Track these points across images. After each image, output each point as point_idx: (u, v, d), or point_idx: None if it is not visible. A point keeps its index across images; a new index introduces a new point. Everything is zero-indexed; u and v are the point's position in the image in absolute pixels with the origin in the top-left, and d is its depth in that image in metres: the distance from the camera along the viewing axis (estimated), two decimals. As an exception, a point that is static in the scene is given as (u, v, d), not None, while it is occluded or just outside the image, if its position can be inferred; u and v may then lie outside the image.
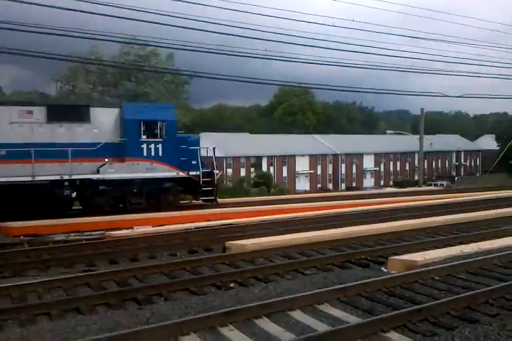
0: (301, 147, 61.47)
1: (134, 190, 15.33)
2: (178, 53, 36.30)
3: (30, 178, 13.66)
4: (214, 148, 17.07)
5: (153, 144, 15.44)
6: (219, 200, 17.35)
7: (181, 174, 15.87)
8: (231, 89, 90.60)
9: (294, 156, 61.02)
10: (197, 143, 16.69)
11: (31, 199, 13.50)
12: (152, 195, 15.70)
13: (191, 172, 16.03)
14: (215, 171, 16.71)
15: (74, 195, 14.79)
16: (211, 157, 17.06)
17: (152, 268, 7.94)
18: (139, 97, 36.52)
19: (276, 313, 5.63)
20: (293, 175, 60.88)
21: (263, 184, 41.36)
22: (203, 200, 16.74)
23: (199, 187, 16.15)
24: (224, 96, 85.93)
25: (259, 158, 58.39)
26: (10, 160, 13.52)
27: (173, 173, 15.74)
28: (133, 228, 11.91)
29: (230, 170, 52.64)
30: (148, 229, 11.93)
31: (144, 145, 15.35)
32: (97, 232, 11.70)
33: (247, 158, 57.30)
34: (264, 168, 57.31)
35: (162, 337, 4.90)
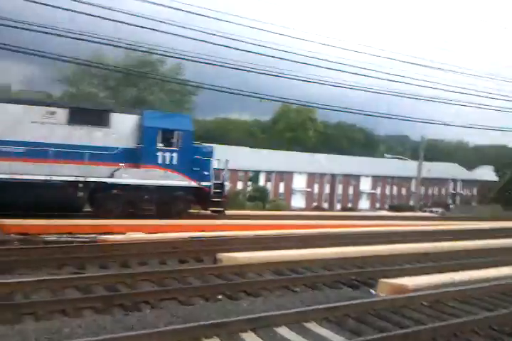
0: (300, 164, 61.63)
1: (146, 197, 15.38)
2: (187, 63, 36.21)
3: (47, 177, 13.70)
4: (227, 161, 17.15)
5: (168, 152, 15.58)
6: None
7: (193, 183, 15.95)
8: (235, 102, 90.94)
9: (291, 173, 61.15)
10: (211, 154, 16.80)
11: (45, 197, 13.54)
12: (163, 202, 15.70)
13: (203, 183, 16.10)
14: (226, 183, 16.81)
15: (86, 196, 14.81)
16: (222, 169, 17.13)
17: (141, 275, 7.90)
18: (141, 104, 36.59)
19: (262, 328, 5.61)
20: (289, 191, 60.91)
21: (259, 198, 41.31)
22: (212, 211, 16.74)
23: (209, 198, 16.17)
24: (227, 109, 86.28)
25: (256, 172, 58.48)
26: (28, 158, 13.62)
27: (185, 182, 15.82)
28: (125, 234, 11.88)
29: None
30: (142, 235, 11.89)
31: (160, 153, 15.47)
32: (90, 235, 11.66)
33: (245, 171, 57.37)
34: (262, 183, 57.36)
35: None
